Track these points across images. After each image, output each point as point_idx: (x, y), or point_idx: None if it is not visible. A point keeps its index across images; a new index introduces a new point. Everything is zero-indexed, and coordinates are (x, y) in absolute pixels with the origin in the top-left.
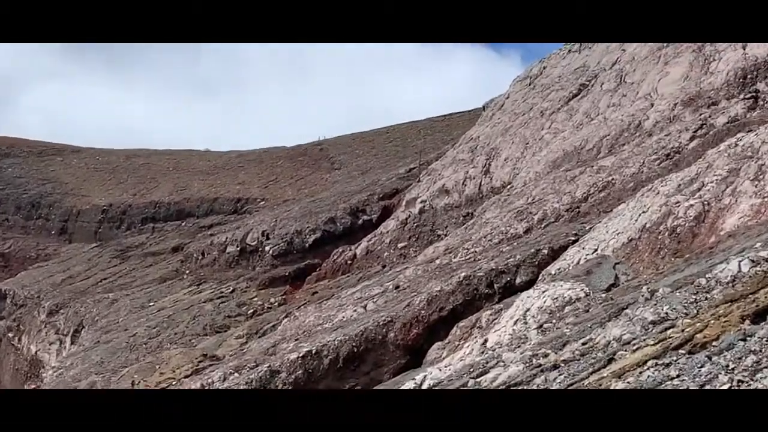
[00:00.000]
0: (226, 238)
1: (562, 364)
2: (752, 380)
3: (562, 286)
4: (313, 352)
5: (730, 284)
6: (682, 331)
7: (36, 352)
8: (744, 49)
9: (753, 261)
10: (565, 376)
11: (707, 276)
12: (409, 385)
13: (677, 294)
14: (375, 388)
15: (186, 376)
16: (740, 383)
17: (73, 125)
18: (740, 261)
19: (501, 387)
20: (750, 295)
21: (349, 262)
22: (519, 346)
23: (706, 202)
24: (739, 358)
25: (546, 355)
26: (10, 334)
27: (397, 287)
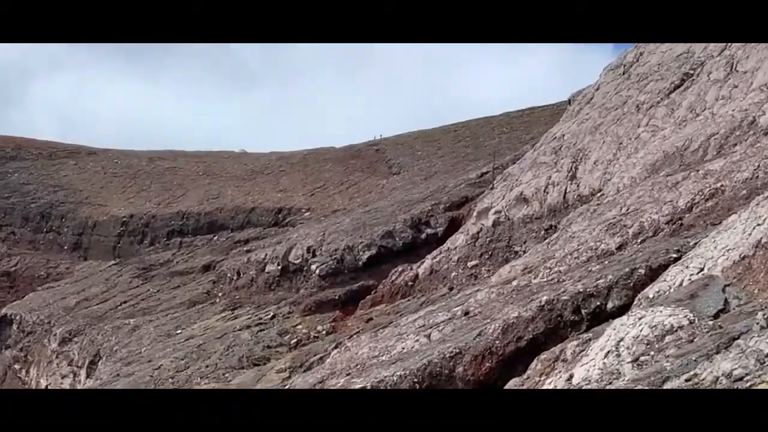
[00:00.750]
0: (266, 255)
1: None
2: None
3: (661, 312)
4: (368, 389)
5: None
6: None
7: (46, 387)
8: None
9: None
10: None
11: None
12: None
13: None
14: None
15: None
16: None
17: (88, 123)
18: None
19: None
20: None
21: (410, 283)
22: (611, 383)
23: None
24: None
25: None
26: (17, 366)
27: (466, 313)
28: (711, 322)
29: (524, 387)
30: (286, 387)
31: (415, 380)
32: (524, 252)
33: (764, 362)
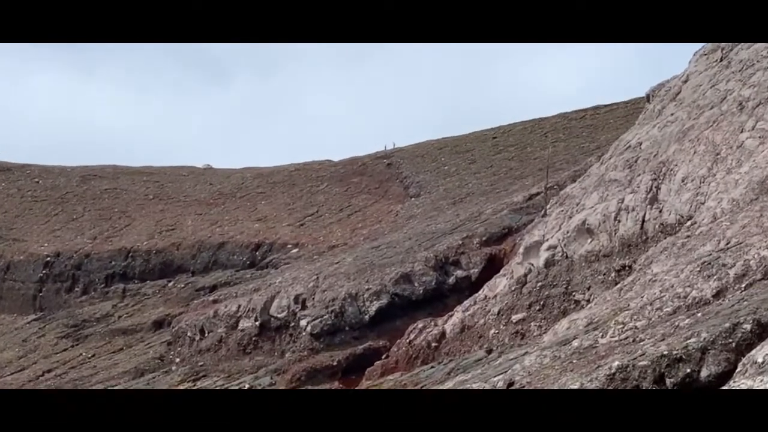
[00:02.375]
0: (239, 306)
1: None
2: None
3: None
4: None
5: None
6: None
7: None
8: None
9: None
10: None
11: None
12: None
13: None
14: None
15: None
16: None
17: None
18: None
19: None
20: None
21: (434, 344)
22: None
23: None
24: None
25: None
26: None
27: (510, 384)
28: None
29: None
30: None
31: None
32: (588, 301)
33: None
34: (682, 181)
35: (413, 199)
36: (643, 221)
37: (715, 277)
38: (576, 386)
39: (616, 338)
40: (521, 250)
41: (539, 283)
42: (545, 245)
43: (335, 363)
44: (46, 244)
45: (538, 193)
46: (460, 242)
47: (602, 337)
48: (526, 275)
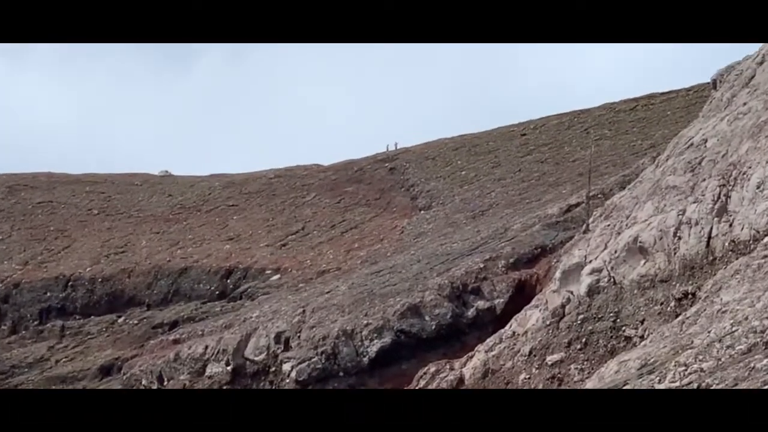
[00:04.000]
0: (206, 347)
1: None
2: None
3: None
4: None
5: None
6: None
7: None
8: None
9: None
10: None
11: None
12: None
13: None
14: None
15: None
16: None
17: None
18: None
19: None
20: None
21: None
22: None
23: None
24: None
25: None
26: None
27: None
28: None
29: None
30: None
31: None
32: (641, 338)
33: None
34: (758, 187)
35: (422, 212)
36: (710, 238)
37: None
38: None
39: (677, 383)
40: (558, 274)
41: (581, 316)
42: (588, 269)
43: None
44: None
45: (578, 204)
46: (482, 265)
47: (660, 382)
48: (564, 306)
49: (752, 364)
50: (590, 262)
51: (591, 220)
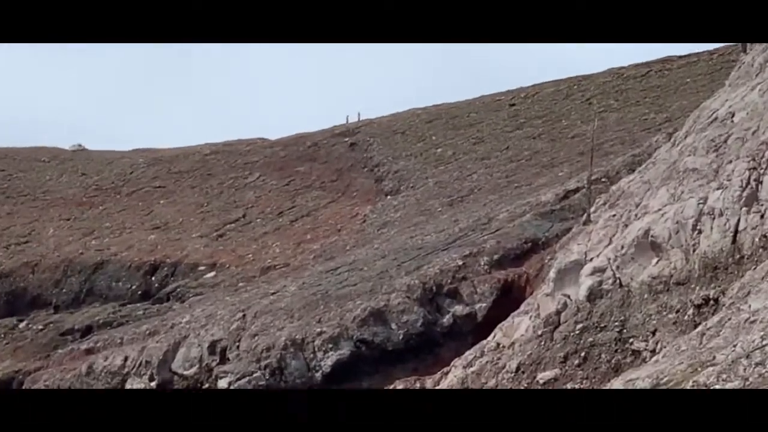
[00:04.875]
0: (126, 359)
1: None
2: None
3: None
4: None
5: None
6: None
7: None
8: None
9: None
10: None
11: None
12: None
13: None
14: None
15: None
16: None
17: None
18: None
19: None
20: None
21: None
22: None
23: None
24: None
25: None
26: None
27: None
28: None
29: None
30: None
31: None
32: (653, 352)
33: None
34: None
35: (389, 197)
36: (737, 232)
37: None
38: None
39: None
40: (552, 274)
41: (579, 325)
42: (588, 268)
43: None
44: None
45: (577, 190)
46: (460, 263)
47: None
48: (559, 313)
49: None
50: (591, 259)
51: (593, 209)
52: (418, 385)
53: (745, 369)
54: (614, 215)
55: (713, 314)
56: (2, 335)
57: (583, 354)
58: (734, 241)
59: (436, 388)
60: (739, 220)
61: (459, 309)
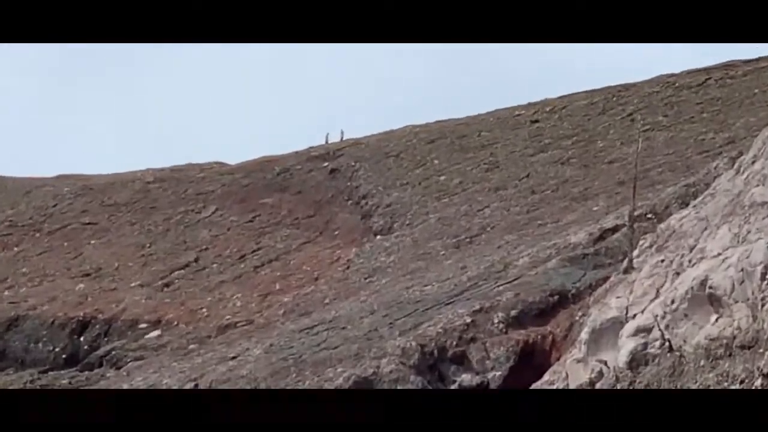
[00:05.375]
0: None
1: None
2: None
3: None
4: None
5: None
6: None
7: None
8: None
9: None
10: None
11: None
12: None
13: None
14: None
15: None
16: None
17: None
18: None
19: None
20: None
21: None
22: None
23: None
24: None
25: None
26: None
27: None
28: None
29: None
30: None
31: None
32: None
33: None
34: None
35: (379, 237)
36: None
37: None
38: None
39: None
40: (584, 335)
41: None
42: (630, 327)
43: None
44: None
45: (616, 228)
46: (469, 320)
47: None
48: (593, 383)
49: None
50: (634, 316)
51: (636, 252)
52: None
53: None
54: (662, 261)
55: None
56: None
57: None
58: None
59: None
60: None
61: (467, 378)
